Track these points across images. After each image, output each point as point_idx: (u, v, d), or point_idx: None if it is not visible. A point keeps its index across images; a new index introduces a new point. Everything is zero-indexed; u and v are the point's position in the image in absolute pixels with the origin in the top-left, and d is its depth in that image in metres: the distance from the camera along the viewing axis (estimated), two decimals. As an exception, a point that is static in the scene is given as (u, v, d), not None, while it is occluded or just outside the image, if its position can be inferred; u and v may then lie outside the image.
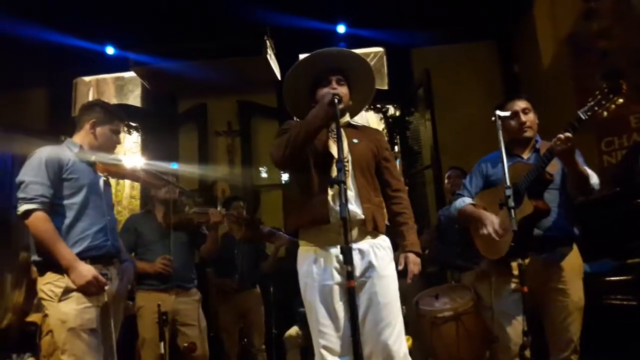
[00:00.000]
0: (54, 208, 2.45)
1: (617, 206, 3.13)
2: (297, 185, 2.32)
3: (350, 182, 2.22)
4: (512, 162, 2.61)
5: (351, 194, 2.20)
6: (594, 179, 2.43)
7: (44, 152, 2.50)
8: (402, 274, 2.29)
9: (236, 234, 4.46)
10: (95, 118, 2.68)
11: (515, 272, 2.52)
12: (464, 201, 2.80)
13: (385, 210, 2.35)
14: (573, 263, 2.50)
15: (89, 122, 2.67)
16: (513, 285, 2.54)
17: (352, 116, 2.51)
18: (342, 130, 2.24)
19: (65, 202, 2.49)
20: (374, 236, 2.24)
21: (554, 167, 2.51)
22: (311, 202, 2.20)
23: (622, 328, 2.69)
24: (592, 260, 3.05)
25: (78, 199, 2.51)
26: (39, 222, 2.37)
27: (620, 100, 2.23)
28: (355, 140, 2.31)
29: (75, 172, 2.53)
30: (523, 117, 2.65)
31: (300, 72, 2.36)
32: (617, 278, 2.82)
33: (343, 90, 2.29)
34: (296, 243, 2.34)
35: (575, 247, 2.56)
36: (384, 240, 2.27)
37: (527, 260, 2.46)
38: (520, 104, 2.70)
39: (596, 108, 2.26)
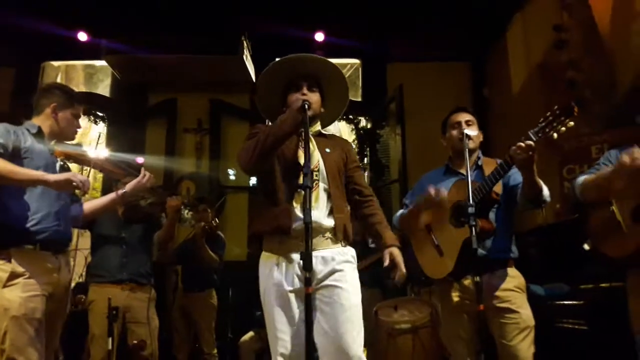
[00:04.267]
0: (7, 189, 2.37)
1: (574, 232, 3.20)
2: (264, 191, 2.27)
3: (321, 191, 2.20)
4: (456, 179, 2.63)
5: (323, 203, 2.19)
6: (546, 190, 2.43)
7: (5, 124, 2.44)
8: (363, 284, 2.26)
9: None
10: (56, 102, 2.60)
11: (455, 294, 2.55)
12: (404, 212, 2.80)
13: (350, 222, 2.30)
14: (517, 282, 2.52)
15: (50, 107, 2.59)
16: (456, 307, 2.54)
17: (324, 126, 2.47)
18: (313, 138, 2.27)
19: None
20: (338, 246, 2.21)
21: (498, 186, 2.52)
22: (276, 211, 2.16)
23: (573, 352, 2.74)
24: (547, 283, 3.12)
25: None
26: None
27: (571, 123, 2.23)
28: (327, 150, 2.30)
29: (31, 153, 2.45)
30: (465, 128, 2.64)
31: (272, 76, 2.33)
32: (570, 302, 2.88)
33: (313, 97, 2.27)
34: (255, 247, 2.31)
35: (514, 267, 2.57)
36: (348, 250, 2.25)
37: (468, 281, 2.49)
38: (465, 116, 2.72)
39: (546, 129, 2.27)
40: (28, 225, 2.39)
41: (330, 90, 2.38)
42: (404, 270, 2.20)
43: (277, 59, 2.31)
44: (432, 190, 2.54)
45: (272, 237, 2.20)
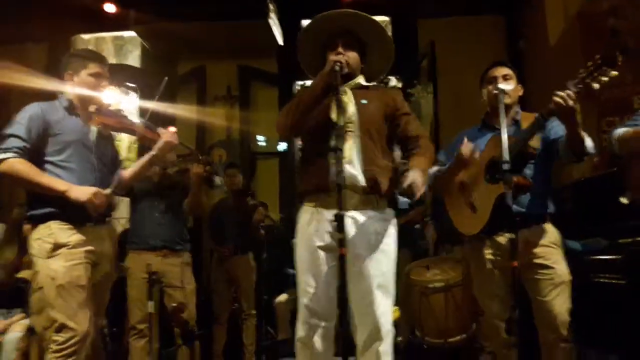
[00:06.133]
0: (42, 166, 2.43)
1: (612, 186, 3.10)
2: (303, 151, 2.35)
3: (354, 144, 2.19)
4: (493, 134, 2.56)
5: (355, 156, 2.18)
6: (589, 141, 2.35)
7: (31, 109, 2.47)
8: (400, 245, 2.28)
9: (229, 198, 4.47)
10: (71, 69, 2.61)
11: (488, 251, 2.52)
12: (438, 169, 2.75)
13: (392, 175, 2.27)
14: (553, 238, 2.47)
15: (67, 75, 2.62)
16: (489, 264, 2.51)
17: (373, 79, 2.45)
18: (350, 91, 2.26)
19: (51, 158, 2.46)
20: (376, 206, 2.20)
21: (536, 141, 2.44)
22: (313, 169, 2.21)
23: (610, 307, 2.69)
24: (584, 238, 3.05)
25: (64, 155, 2.48)
26: (13, 164, 2.34)
27: (614, 73, 2.11)
28: (363, 101, 2.27)
29: (62, 129, 2.49)
30: (501, 82, 2.55)
31: (310, 35, 2.35)
32: (608, 257, 2.80)
33: (350, 55, 2.26)
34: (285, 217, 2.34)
35: (549, 222, 2.52)
36: (386, 213, 2.24)
37: (501, 238, 2.46)
38: (501, 70, 2.63)
39: (587, 79, 2.16)
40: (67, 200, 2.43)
41: (371, 44, 2.36)
42: (413, 188, 2.01)
43: (305, 22, 2.29)
44: (464, 149, 2.47)
45: (312, 194, 2.24)
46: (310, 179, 2.22)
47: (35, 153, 2.42)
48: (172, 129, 2.82)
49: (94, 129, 2.63)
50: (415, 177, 2.03)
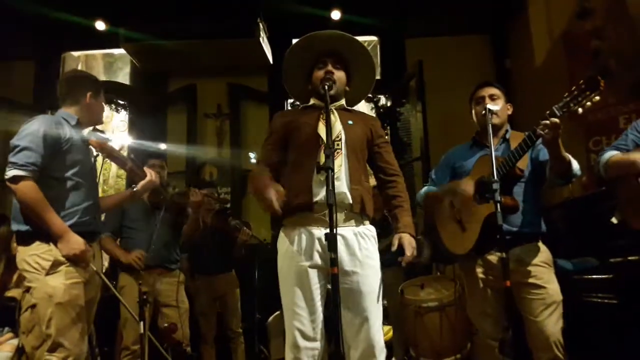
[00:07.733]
0: (46, 180, 2.40)
1: (602, 205, 3.16)
2: (281, 165, 2.29)
3: (342, 161, 2.18)
4: (483, 153, 2.59)
5: (342, 174, 2.17)
6: (575, 164, 2.40)
7: (44, 122, 2.45)
8: (385, 264, 2.27)
9: (205, 218, 4.42)
10: (92, 90, 2.64)
11: (480, 270, 2.54)
12: (429, 189, 2.79)
13: (372, 196, 2.28)
14: (544, 257, 2.49)
15: (86, 95, 2.62)
16: (481, 283, 2.53)
17: (351, 105, 2.46)
18: (335, 112, 2.27)
19: (58, 175, 2.45)
20: (360, 223, 2.20)
21: (524, 162, 2.49)
22: (296, 187, 2.16)
23: (602, 326, 2.72)
24: (574, 258, 3.09)
25: (70, 173, 2.48)
26: (28, 190, 2.32)
27: (597, 98, 2.19)
28: (350, 122, 2.29)
29: (71, 147, 2.49)
30: (488, 103, 2.59)
31: (298, 54, 2.35)
32: (599, 276, 2.84)
33: (339, 75, 2.29)
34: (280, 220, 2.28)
35: (541, 241, 2.55)
36: (369, 230, 2.23)
37: (492, 257, 2.48)
38: (489, 90, 2.66)
39: (571, 104, 2.23)
40: (68, 217, 2.44)
41: (355, 69, 2.39)
42: (407, 254, 2.16)
43: (305, 36, 2.31)
44: (467, 187, 2.53)
45: (294, 213, 2.19)
46: (291, 199, 2.13)
47: (44, 167, 2.39)
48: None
49: (92, 151, 2.66)
50: (404, 242, 2.18)
